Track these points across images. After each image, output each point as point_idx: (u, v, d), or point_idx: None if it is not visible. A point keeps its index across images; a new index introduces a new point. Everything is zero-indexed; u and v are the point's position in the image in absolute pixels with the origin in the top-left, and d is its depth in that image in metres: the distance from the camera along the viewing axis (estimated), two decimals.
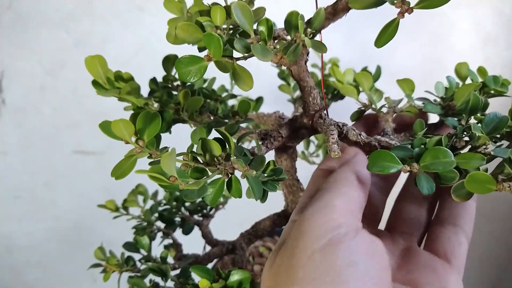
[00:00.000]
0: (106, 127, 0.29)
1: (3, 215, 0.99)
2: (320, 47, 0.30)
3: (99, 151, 0.96)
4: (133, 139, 0.29)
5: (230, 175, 0.29)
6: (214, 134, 0.34)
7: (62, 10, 0.86)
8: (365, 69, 0.58)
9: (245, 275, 0.36)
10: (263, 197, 0.30)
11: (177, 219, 0.60)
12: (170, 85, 0.45)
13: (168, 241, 0.59)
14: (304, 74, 0.37)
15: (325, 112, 0.41)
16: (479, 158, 0.27)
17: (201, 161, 0.29)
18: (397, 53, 0.94)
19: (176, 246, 0.57)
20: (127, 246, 0.52)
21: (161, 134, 0.33)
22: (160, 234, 0.59)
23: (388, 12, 0.30)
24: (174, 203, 0.61)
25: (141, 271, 0.48)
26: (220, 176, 0.29)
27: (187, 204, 0.62)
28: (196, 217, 0.62)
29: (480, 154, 0.27)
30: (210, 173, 0.28)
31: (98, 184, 0.98)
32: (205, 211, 0.63)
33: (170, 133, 0.37)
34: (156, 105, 0.41)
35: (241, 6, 0.27)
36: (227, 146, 0.29)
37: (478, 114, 0.35)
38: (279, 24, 0.35)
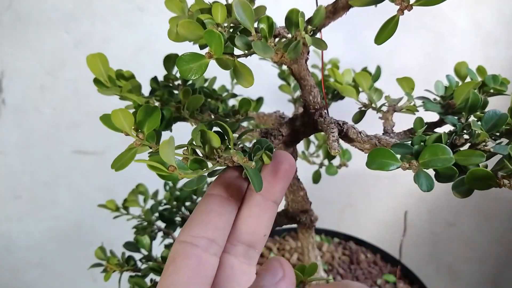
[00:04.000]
0: (106, 119, 0.29)
1: (3, 215, 0.99)
2: (321, 44, 0.30)
3: (99, 151, 0.97)
4: (134, 133, 0.30)
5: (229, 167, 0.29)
6: None
7: (62, 10, 0.86)
8: (365, 69, 0.58)
9: None
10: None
11: (178, 218, 0.60)
12: (171, 84, 0.45)
13: (168, 240, 0.59)
14: (305, 72, 0.37)
15: (325, 110, 0.41)
16: (478, 155, 0.27)
17: (201, 154, 0.29)
18: (397, 52, 0.94)
19: None
20: (128, 245, 0.52)
21: (162, 132, 0.33)
22: (160, 233, 0.59)
23: (388, 10, 0.30)
24: (175, 202, 0.61)
25: (141, 270, 0.48)
26: (219, 168, 0.29)
27: (187, 203, 0.62)
28: None
29: (480, 151, 0.28)
30: (210, 165, 0.28)
31: (98, 184, 0.98)
32: None
33: (171, 131, 0.37)
34: (157, 103, 0.41)
35: (242, 3, 0.27)
36: (226, 139, 0.30)
37: (478, 112, 0.35)
38: (280, 23, 0.35)
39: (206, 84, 0.52)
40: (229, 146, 0.29)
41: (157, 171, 0.25)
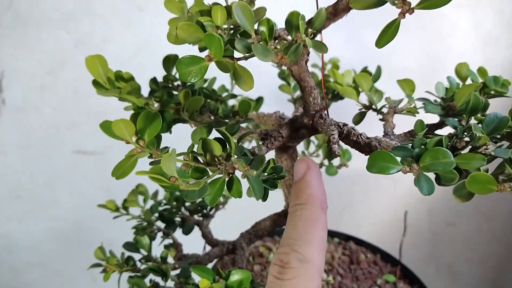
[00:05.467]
0: (106, 127, 0.29)
1: (3, 215, 0.99)
2: (321, 47, 0.30)
3: (99, 151, 0.96)
4: (134, 139, 0.29)
5: (230, 175, 0.29)
6: (214, 134, 0.34)
7: (62, 10, 0.86)
8: (365, 70, 0.58)
9: (246, 275, 0.36)
10: (264, 196, 0.30)
11: (177, 219, 0.60)
12: (170, 85, 0.45)
13: (168, 241, 0.59)
14: (305, 74, 0.37)
15: (325, 112, 0.41)
16: (479, 158, 0.27)
17: (202, 161, 0.29)
18: (397, 53, 0.94)
19: (176, 246, 0.57)
20: (127, 246, 0.52)
21: (162, 134, 0.33)
22: (160, 234, 0.59)
23: (388, 11, 0.30)
24: (174, 203, 0.61)
25: (141, 271, 0.48)
26: (220, 176, 0.29)
27: (187, 204, 0.62)
28: (196, 217, 0.62)
29: (481, 154, 0.27)
30: (210, 173, 0.28)
31: (98, 184, 0.98)
32: (205, 211, 0.63)
33: (170, 133, 0.37)
34: (156, 105, 0.41)
35: (242, 6, 0.27)
36: (227, 146, 0.29)
37: (479, 115, 0.35)
38: (280, 24, 0.35)
39: (205, 85, 0.52)
40: (231, 154, 0.29)
41: (158, 182, 0.25)
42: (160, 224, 0.60)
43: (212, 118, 0.42)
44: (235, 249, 0.53)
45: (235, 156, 0.29)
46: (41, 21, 0.86)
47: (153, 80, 0.44)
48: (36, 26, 0.86)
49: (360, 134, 0.38)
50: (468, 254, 1.13)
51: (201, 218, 0.62)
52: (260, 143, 0.38)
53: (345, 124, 0.39)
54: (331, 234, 0.81)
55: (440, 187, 0.29)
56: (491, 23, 0.93)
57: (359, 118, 0.44)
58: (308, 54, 0.37)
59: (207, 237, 0.59)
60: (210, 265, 0.55)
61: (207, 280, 0.35)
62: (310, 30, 0.30)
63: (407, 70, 0.94)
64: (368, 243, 0.78)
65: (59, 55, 0.89)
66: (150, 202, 0.62)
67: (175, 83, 0.46)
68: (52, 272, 1.05)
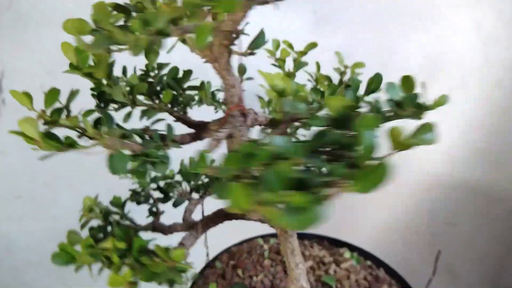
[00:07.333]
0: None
1: (3, 215, 0.99)
2: None
3: (99, 151, 0.96)
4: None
5: None
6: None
7: (62, 10, 0.86)
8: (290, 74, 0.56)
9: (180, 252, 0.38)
10: None
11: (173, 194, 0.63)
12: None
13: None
14: (225, 72, 0.38)
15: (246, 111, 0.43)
16: None
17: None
18: (398, 52, 0.94)
19: (157, 214, 0.61)
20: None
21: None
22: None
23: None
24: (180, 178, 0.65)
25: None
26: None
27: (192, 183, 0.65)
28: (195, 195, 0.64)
29: None
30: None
31: (98, 184, 0.98)
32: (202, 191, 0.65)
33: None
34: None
35: None
36: None
37: None
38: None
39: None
40: None
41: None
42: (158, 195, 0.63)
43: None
44: (192, 228, 0.55)
45: None
46: (41, 21, 0.86)
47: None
48: (36, 26, 0.86)
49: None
50: (468, 254, 1.13)
51: (197, 196, 0.64)
52: None
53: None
54: (365, 255, 0.73)
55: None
56: (491, 23, 0.93)
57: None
58: (229, 54, 0.37)
59: (186, 212, 0.60)
60: (172, 237, 0.56)
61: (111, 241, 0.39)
62: None
63: (407, 69, 0.94)
64: (402, 278, 0.68)
65: (59, 55, 0.88)
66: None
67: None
68: (52, 272, 1.05)
